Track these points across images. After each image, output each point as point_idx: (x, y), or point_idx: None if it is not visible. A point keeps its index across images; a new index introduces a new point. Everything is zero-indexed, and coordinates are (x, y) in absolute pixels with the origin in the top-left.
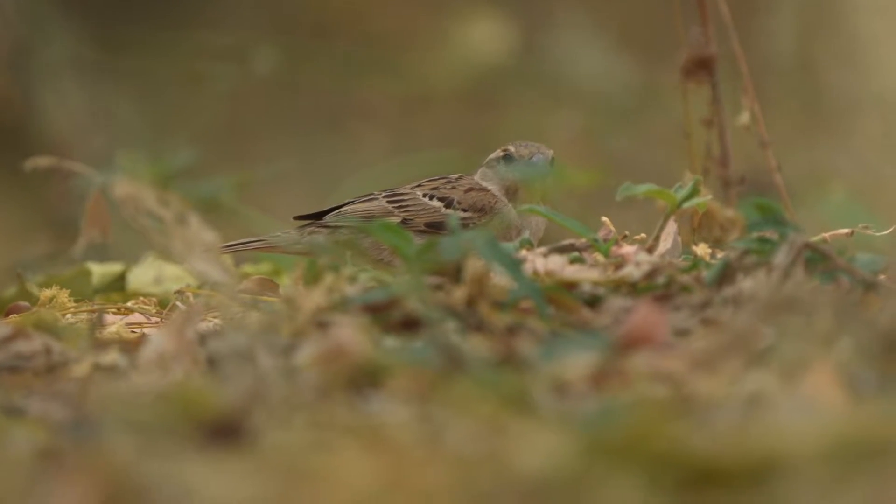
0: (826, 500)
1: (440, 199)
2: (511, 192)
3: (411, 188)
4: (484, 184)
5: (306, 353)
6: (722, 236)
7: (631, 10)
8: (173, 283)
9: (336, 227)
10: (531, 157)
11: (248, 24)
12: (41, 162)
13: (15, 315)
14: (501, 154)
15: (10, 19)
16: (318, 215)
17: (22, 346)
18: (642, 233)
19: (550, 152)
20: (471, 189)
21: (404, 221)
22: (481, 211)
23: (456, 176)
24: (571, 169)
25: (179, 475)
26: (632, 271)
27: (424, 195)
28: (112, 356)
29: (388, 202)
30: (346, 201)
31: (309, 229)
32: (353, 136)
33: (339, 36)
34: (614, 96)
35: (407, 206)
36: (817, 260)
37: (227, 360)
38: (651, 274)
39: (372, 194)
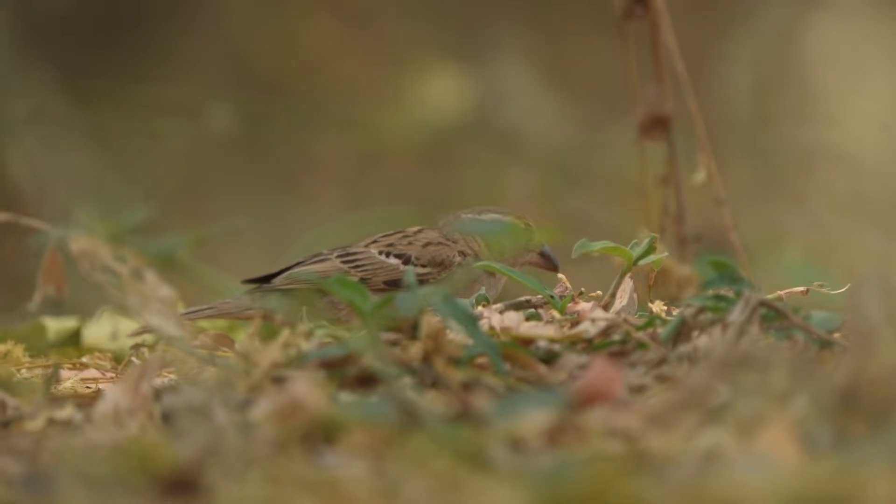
0: None
1: (397, 256)
2: (471, 250)
3: (365, 246)
4: (444, 241)
5: (262, 409)
6: (678, 293)
7: (586, 69)
8: (129, 339)
9: (288, 288)
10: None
11: (206, 80)
12: None
13: None
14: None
15: None
16: (267, 279)
17: None
18: (598, 290)
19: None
20: (429, 244)
21: (362, 281)
22: (440, 266)
23: (414, 229)
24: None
25: None
26: (588, 328)
27: (380, 252)
28: (67, 411)
29: (341, 262)
30: (295, 262)
31: (259, 293)
32: (308, 193)
33: (294, 92)
34: (570, 154)
35: (362, 265)
36: (773, 317)
37: (183, 415)
38: (607, 331)
39: (321, 254)
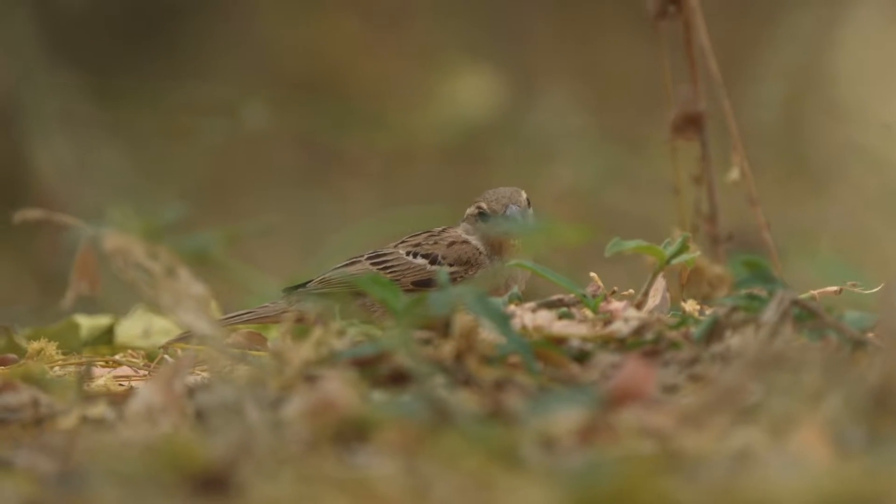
0: None
1: (424, 256)
2: (495, 247)
3: (394, 247)
4: (466, 237)
5: (294, 407)
6: (710, 293)
7: (619, 67)
8: (162, 337)
9: (323, 292)
10: (505, 212)
11: (237, 78)
12: (30, 214)
13: (3, 367)
14: (476, 211)
15: (0, 72)
16: (304, 285)
17: (10, 398)
18: (631, 289)
19: (523, 196)
20: (453, 243)
21: None
22: (467, 264)
23: (439, 229)
24: (560, 224)
25: None
26: (620, 327)
27: (408, 253)
28: (100, 409)
29: (371, 264)
30: (331, 268)
31: (296, 297)
32: (340, 191)
33: (326, 90)
34: (602, 153)
35: (392, 266)
36: (805, 317)
37: (215, 413)
38: (639, 330)
39: (354, 258)
